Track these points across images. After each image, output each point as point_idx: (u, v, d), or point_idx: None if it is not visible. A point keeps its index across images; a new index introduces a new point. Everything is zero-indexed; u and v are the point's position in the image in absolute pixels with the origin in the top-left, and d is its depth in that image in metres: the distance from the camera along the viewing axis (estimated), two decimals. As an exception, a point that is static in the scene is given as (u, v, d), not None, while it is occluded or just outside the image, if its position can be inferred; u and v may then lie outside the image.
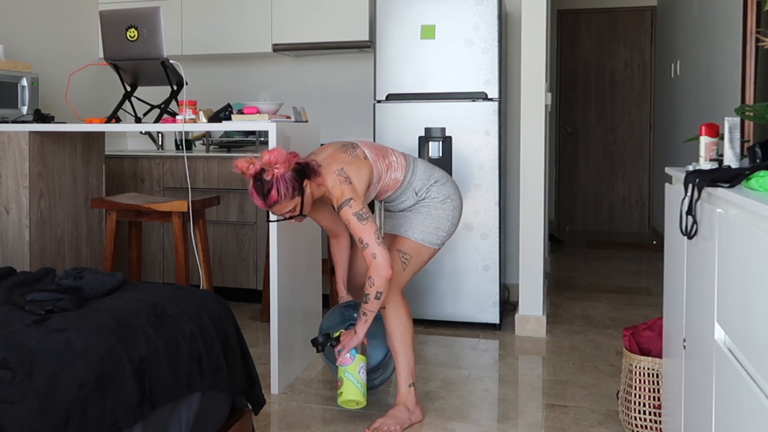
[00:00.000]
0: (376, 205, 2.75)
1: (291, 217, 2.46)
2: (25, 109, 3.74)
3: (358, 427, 2.58)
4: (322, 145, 2.87)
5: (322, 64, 4.81)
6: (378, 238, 2.41)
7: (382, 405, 2.78)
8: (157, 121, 3.12)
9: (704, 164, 1.87)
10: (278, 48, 4.53)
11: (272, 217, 2.60)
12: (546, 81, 3.77)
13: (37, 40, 4.34)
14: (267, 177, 2.35)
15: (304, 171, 2.41)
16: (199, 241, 3.29)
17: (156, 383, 1.79)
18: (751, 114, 2.05)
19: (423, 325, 3.85)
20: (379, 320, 2.69)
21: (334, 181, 2.45)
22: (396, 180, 2.60)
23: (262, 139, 4.39)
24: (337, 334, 2.60)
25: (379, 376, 2.79)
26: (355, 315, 2.66)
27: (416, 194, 2.62)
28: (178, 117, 3.04)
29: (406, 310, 2.63)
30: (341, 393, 2.54)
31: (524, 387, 3.01)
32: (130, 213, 3.25)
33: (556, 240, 6.56)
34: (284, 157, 2.36)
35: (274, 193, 2.35)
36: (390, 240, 2.76)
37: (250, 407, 2.31)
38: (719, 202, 1.51)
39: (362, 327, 2.53)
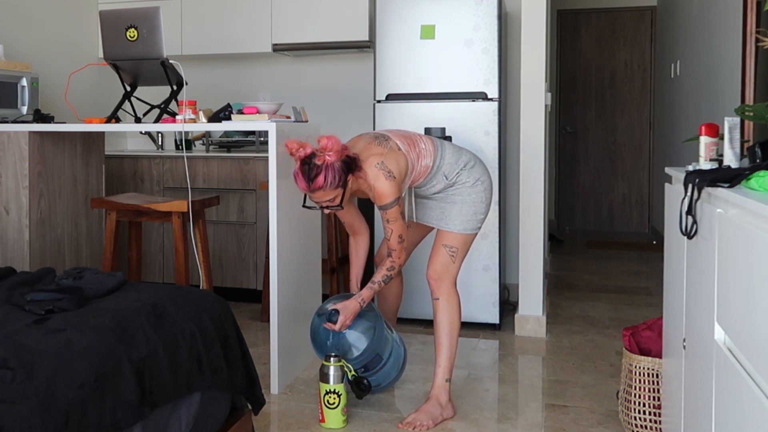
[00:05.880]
0: (405, 191, 2.79)
1: (327, 207, 2.48)
2: (25, 109, 3.74)
3: (358, 428, 2.58)
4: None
5: (322, 64, 4.81)
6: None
7: (384, 403, 2.78)
8: (157, 121, 3.12)
9: (704, 164, 1.87)
10: (278, 48, 4.53)
11: (309, 203, 2.61)
12: (546, 81, 3.77)
13: (37, 40, 4.34)
14: (318, 161, 2.38)
15: (351, 165, 2.44)
16: (199, 241, 3.29)
17: (156, 383, 1.79)
18: (751, 114, 2.05)
19: (423, 325, 3.85)
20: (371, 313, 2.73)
21: (376, 175, 2.47)
22: (426, 167, 2.63)
23: (262, 139, 4.39)
24: (353, 373, 2.64)
25: (362, 364, 2.77)
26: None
27: (446, 178, 2.64)
28: (177, 117, 3.04)
29: (458, 302, 2.68)
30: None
31: (524, 387, 3.01)
32: (130, 213, 3.25)
33: (556, 240, 6.56)
34: (339, 145, 2.40)
35: (320, 178, 2.37)
36: (421, 231, 2.85)
37: (249, 407, 2.31)
38: (719, 202, 1.51)
39: (369, 295, 2.63)
